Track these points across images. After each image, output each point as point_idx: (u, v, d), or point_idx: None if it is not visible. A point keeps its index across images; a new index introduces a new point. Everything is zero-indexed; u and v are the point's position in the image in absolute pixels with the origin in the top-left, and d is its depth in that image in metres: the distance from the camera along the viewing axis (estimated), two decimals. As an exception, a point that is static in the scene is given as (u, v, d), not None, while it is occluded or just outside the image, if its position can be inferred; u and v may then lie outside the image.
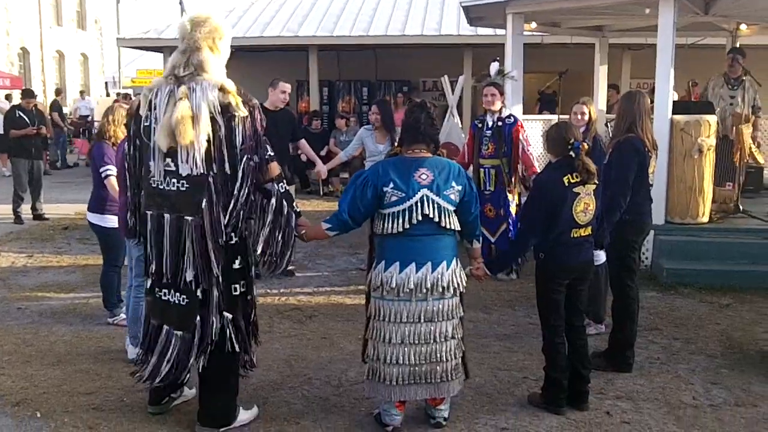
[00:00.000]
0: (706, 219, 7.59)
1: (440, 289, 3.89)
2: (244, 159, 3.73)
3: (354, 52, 16.54)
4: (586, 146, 4.26)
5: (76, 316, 6.17)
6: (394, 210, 3.84)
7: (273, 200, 3.85)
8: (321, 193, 13.12)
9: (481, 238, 4.26)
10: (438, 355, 3.92)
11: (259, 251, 3.89)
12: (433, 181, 3.85)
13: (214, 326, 3.81)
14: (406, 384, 3.93)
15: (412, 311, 3.88)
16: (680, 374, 4.91)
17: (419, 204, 3.82)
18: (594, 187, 4.27)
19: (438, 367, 3.93)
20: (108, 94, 25.32)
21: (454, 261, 3.97)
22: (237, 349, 3.92)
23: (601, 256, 5.48)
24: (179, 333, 3.86)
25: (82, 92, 25.20)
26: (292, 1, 17.71)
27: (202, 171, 3.69)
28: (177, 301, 3.87)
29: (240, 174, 3.73)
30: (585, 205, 4.23)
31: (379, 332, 3.95)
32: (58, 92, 20.41)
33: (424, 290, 3.85)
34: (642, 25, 10.00)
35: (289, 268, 6.20)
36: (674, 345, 5.47)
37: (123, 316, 5.72)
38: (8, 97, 18.23)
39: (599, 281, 5.58)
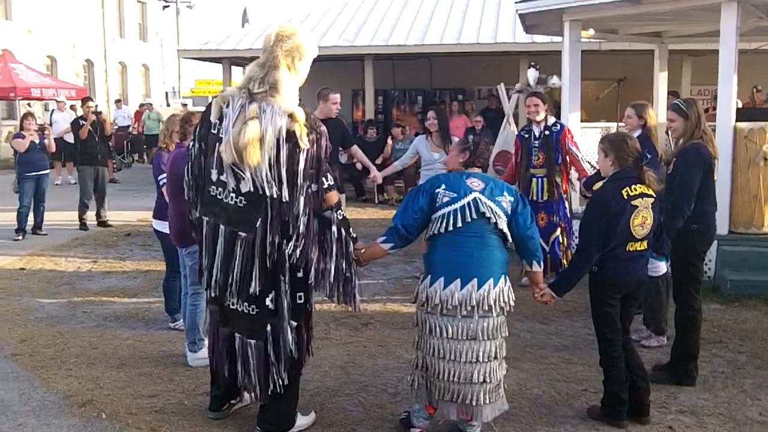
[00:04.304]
0: (772, 229, 7.39)
1: (486, 308, 3.84)
2: (305, 185, 3.75)
3: (409, 61, 16.60)
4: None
5: (138, 320, 6.33)
6: (447, 210, 3.85)
7: (334, 228, 3.86)
8: (376, 201, 13.17)
9: (542, 261, 4.15)
10: (480, 376, 3.86)
11: (327, 286, 3.91)
12: (484, 188, 3.90)
13: (289, 335, 3.85)
14: (445, 401, 3.92)
15: (456, 328, 3.83)
16: (746, 389, 4.77)
17: (472, 204, 3.83)
18: (652, 200, 4.18)
19: (480, 389, 3.87)
20: (168, 104, 25.59)
21: (502, 278, 3.91)
22: (300, 356, 3.96)
23: (661, 268, 5.40)
24: (253, 341, 3.89)
25: (118, 101, 24.11)
26: (348, 10, 17.88)
27: (261, 192, 3.72)
28: (246, 311, 3.89)
29: (300, 199, 3.74)
30: (643, 218, 4.14)
31: (425, 344, 3.95)
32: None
33: (469, 308, 3.81)
34: (703, 31, 9.79)
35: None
36: (739, 359, 5.32)
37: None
38: (73, 108, 18.75)
39: (660, 293, 5.48)
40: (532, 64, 7.95)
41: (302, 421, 4.17)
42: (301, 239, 3.76)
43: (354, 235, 4.02)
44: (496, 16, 16.44)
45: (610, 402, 4.26)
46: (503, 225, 3.89)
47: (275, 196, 3.72)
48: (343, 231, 3.90)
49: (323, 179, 3.83)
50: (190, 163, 4.04)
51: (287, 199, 3.73)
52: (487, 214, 3.84)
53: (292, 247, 3.75)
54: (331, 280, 3.89)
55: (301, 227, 3.75)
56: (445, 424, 4.20)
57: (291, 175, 3.72)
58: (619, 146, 4.24)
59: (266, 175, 3.69)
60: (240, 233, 3.77)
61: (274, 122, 3.70)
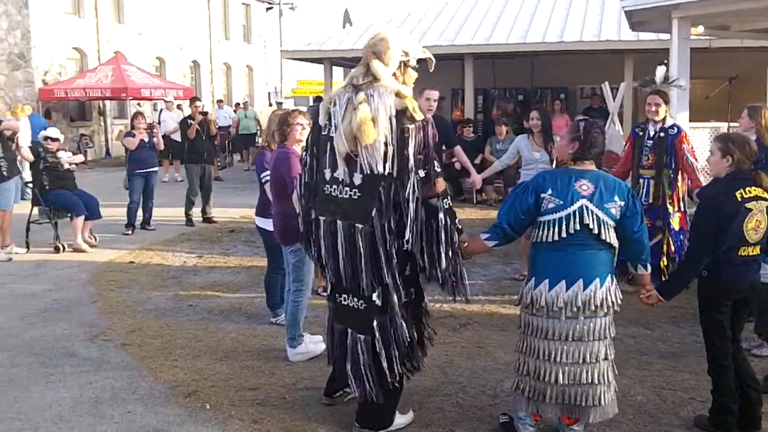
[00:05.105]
0: None
1: (593, 308, 3.75)
2: (414, 169, 3.76)
3: (509, 60, 16.40)
4: None
5: (241, 315, 6.51)
6: (551, 218, 3.76)
7: (441, 215, 3.84)
8: (475, 201, 13.08)
9: (649, 265, 4.00)
10: (588, 377, 3.78)
11: (439, 275, 3.90)
12: (593, 193, 3.74)
13: (400, 331, 3.88)
14: (552, 403, 3.85)
15: (561, 329, 3.77)
16: None
17: (577, 213, 3.71)
18: (767, 204, 3.99)
19: (588, 390, 3.79)
20: (270, 104, 26.16)
21: (608, 278, 3.81)
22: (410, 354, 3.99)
23: (774, 273, 5.12)
24: (362, 336, 3.94)
25: (220, 101, 24.73)
26: (448, 9, 17.81)
27: (376, 174, 3.75)
28: (356, 306, 3.96)
29: (409, 186, 3.75)
30: (757, 222, 3.95)
31: (529, 347, 3.89)
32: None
33: (575, 309, 3.74)
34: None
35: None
36: None
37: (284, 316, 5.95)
38: (180, 107, 19.46)
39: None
40: (664, 62, 7.63)
41: (400, 419, 4.18)
42: (412, 224, 3.76)
43: (459, 226, 3.99)
44: (600, 13, 16.02)
45: (718, 412, 4.09)
46: (608, 235, 3.76)
47: (389, 172, 3.74)
48: (449, 220, 3.89)
49: (431, 165, 3.83)
50: (303, 170, 4.15)
51: (399, 183, 3.75)
52: (591, 225, 3.72)
53: (408, 233, 3.76)
54: (443, 266, 3.86)
55: (411, 213, 3.75)
56: (545, 429, 4.14)
57: (402, 157, 3.74)
58: (742, 147, 4.05)
59: (382, 154, 3.72)
60: (357, 225, 3.82)
61: (384, 101, 3.75)
